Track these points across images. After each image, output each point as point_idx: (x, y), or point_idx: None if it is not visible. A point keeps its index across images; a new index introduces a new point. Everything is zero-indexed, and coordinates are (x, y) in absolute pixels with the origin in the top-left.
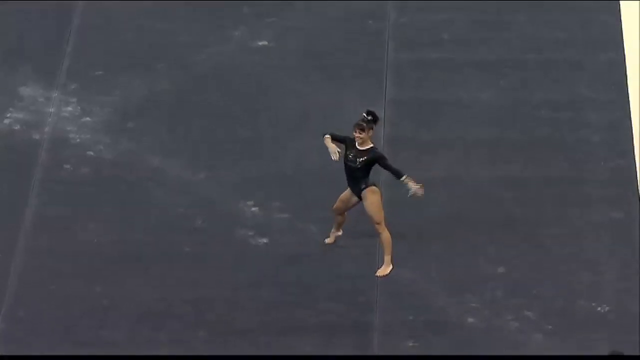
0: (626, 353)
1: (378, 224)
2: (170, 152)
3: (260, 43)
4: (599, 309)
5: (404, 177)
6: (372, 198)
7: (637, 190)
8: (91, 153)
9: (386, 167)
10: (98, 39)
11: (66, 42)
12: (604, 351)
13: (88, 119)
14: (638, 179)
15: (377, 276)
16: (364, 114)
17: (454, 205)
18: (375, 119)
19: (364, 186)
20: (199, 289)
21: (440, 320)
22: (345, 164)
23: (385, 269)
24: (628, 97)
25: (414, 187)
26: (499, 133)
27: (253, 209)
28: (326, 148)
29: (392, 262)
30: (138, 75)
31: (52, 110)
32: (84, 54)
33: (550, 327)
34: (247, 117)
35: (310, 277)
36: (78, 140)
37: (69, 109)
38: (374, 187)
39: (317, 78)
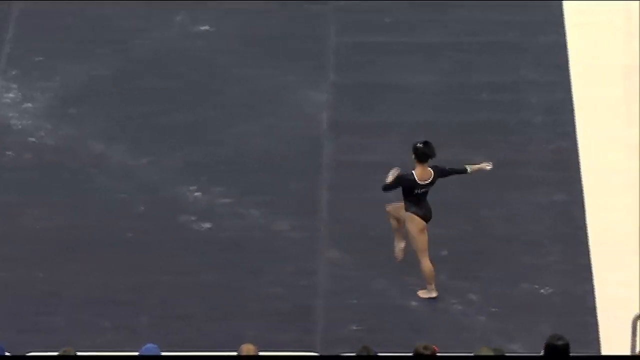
0: (568, 335)
1: (416, 251)
2: (113, 137)
3: (201, 28)
4: (541, 291)
5: (469, 170)
6: (411, 228)
7: (579, 171)
8: (33, 139)
9: (451, 172)
10: (38, 24)
11: (6, 29)
12: (547, 333)
13: (29, 105)
14: (580, 160)
15: (418, 295)
16: (420, 144)
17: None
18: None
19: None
20: (141, 275)
21: (384, 303)
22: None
23: (426, 293)
24: (569, 79)
25: (480, 166)
26: (440, 116)
27: (196, 194)
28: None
29: (435, 290)
30: (79, 60)
31: None
32: (24, 40)
33: (493, 309)
34: (189, 102)
35: (253, 261)
36: (20, 126)
37: (10, 95)
38: (411, 215)
39: (259, 62)
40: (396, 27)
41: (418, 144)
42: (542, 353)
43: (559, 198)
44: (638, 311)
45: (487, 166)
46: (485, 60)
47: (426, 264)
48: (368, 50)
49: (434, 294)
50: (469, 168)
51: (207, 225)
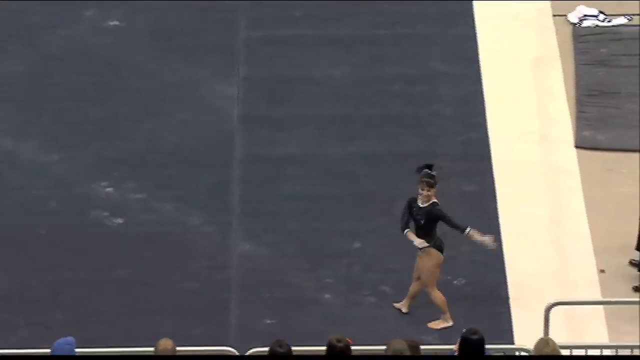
0: (481, 325)
1: (426, 286)
2: (23, 134)
3: (111, 23)
4: (455, 282)
5: (467, 231)
6: (428, 262)
7: (490, 162)
8: None
9: (448, 223)
10: None
11: None
12: (461, 324)
13: None
14: (491, 151)
15: (428, 325)
16: (427, 169)
17: (308, 182)
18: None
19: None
20: (55, 271)
21: (298, 296)
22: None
23: (438, 324)
24: (480, 71)
25: (480, 239)
26: (352, 109)
27: (108, 189)
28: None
29: (451, 319)
30: None
31: None
32: None
33: None
34: (100, 98)
35: (167, 256)
36: None
37: None
38: (433, 250)
39: (170, 57)
40: (307, 21)
41: (429, 178)
42: (456, 346)
43: (470, 189)
44: (551, 301)
45: (489, 244)
46: (397, 52)
47: (439, 296)
48: (279, 44)
49: (450, 323)
50: (470, 233)
51: (120, 220)
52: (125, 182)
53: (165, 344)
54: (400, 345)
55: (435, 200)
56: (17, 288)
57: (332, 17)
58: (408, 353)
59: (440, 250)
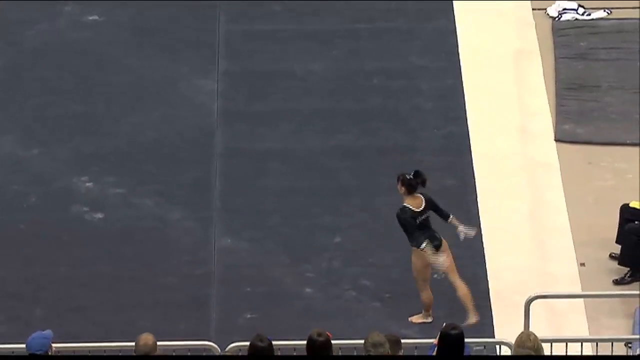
0: (462, 320)
1: (416, 282)
2: (2, 129)
3: (90, 18)
4: (435, 275)
5: (450, 218)
6: (413, 259)
7: (471, 156)
8: None
9: (436, 206)
10: None
11: None
12: (441, 317)
13: None
14: (471, 145)
15: (409, 319)
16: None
17: (289, 177)
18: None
19: (411, 243)
20: (34, 267)
21: (278, 291)
22: None
23: (420, 318)
24: (459, 65)
25: (462, 229)
26: (332, 103)
27: (88, 184)
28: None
29: (431, 316)
30: None
31: None
32: None
33: (387, 295)
34: (80, 93)
35: (147, 251)
36: None
37: None
38: (416, 250)
39: (149, 52)
40: (286, 15)
41: (406, 175)
42: (436, 341)
43: (450, 183)
44: (531, 294)
45: (469, 232)
46: (377, 47)
47: (427, 294)
48: (258, 38)
49: (429, 319)
50: (452, 217)
51: (100, 215)
52: (106, 177)
53: (146, 339)
54: (378, 338)
55: (404, 204)
56: None
57: (312, 11)
58: (387, 346)
59: (438, 248)
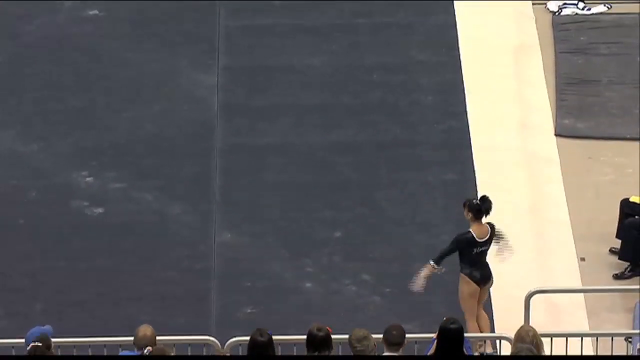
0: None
1: (464, 311)
2: (2, 123)
3: (90, 12)
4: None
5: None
6: (461, 287)
7: (470, 151)
8: None
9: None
10: None
11: None
12: (442, 312)
13: None
14: (471, 140)
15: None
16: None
17: (289, 171)
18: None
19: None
20: (35, 261)
21: (278, 285)
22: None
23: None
24: (459, 59)
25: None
26: (331, 98)
27: (88, 179)
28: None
29: (490, 346)
30: None
31: None
32: None
33: (387, 289)
34: (79, 87)
35: (147, 246)
36: None
37: None
38: (462, 275)
39: (149, 46)
40: (286, 10)
41: (474, 201)
42: (435, 335)
43: (450, 178)
44: (531, 289)
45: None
46: (376, 41)
47: (472, 326)
48: (258, 33)
49: (490, 350)
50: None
51: (100, 210)
52: (105, 172)
53: (145, 330)
54: (361, 333)
55: (488, 223)
56: None
57: (311, 6)
58: (371, 338)
59: (481, 282)
